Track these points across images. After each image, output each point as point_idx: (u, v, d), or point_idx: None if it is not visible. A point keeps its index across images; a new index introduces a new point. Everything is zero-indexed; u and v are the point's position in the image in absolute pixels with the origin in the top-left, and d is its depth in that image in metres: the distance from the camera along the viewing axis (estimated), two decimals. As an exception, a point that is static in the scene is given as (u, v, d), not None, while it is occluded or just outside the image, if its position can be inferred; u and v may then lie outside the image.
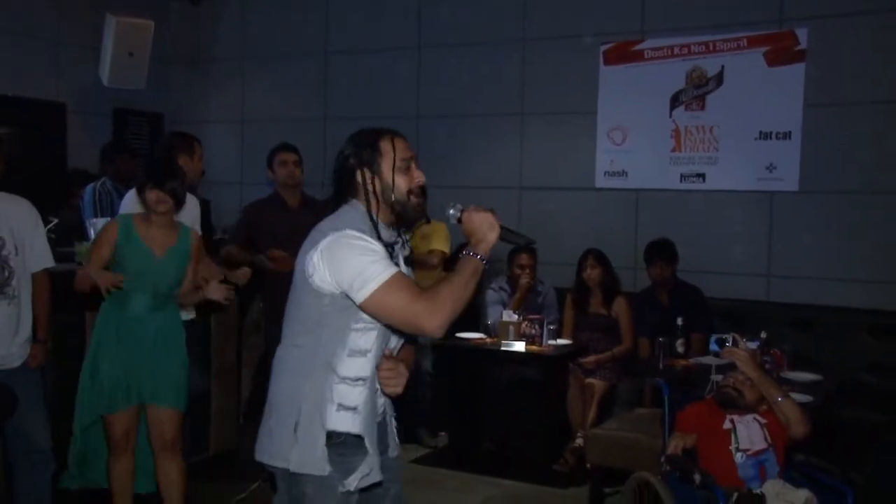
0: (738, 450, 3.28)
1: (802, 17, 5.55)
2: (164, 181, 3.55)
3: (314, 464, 2.22)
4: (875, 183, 5.39)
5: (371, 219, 2.28)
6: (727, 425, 3.36)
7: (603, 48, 6.12)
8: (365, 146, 2.30)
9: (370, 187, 2.28)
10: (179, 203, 3.64)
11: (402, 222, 2.36)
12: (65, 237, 4.82)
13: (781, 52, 5.59)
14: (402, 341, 2.41)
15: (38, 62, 6.86)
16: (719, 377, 3.61)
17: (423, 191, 2.36)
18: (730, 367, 3.56)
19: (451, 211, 2.30)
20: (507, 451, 5.10)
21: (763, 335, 4.48)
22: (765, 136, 5.67)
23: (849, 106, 5.45)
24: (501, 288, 5.68)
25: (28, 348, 3.61)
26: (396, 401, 2.44)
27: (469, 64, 6.64)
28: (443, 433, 5.69)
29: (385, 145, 2.29)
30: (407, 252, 2.40)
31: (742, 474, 3.25)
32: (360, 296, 2.17)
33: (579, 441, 5.03)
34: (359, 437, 2.24)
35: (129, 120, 7.56)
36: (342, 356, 2.24)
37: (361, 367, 2.25)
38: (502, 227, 2.26)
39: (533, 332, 5.14)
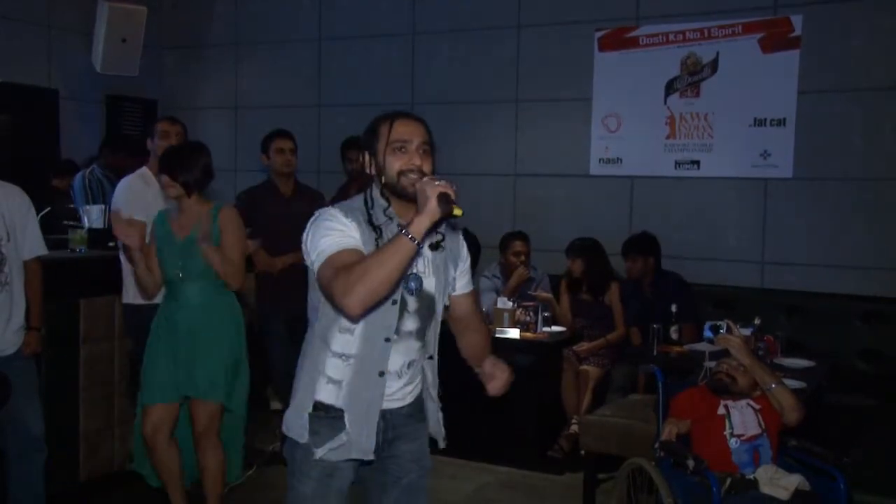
0: (732, 435, 3.30)
1: (797, 3, 5.53)
2: (175, 172, 3.65)
3: (297, 430, 2.35)
4: (869, 169, 5.39)
5: (365, 200, 2.32)
6: (721, 411, 3.38)
7: (598, 35, 6.10)
8: (368, 130, 2.35)
9: (368, 169, 2.34)
10: (189, 191, 3.68)
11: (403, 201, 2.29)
12: (58, 224, 4.80)
13: (776, 39, 5.58)
14: (418, 324, 2.36)
15: (30, 48, 6.81)
16: (713, 364, 3.62)
17: (422, 172, 2.29)
18: (723, 354, 3.56)
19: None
20: (501, 437, 5.11)
21: (757, 322, 4.50)
22: (759, 122, 5.66)
23: (843, 93, 5.44)
24: (494, 275, 5.67)
25: (22, 336, 3.60)
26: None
27: (463, 51, 6.62)
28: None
29: (382, 128, 2.30)
30: (438, 238, 2.32)
31: (736, 459, 3.26)
32: (314, 271, 2.24)
33: (574, 427, 5.05)
34: (341, 411, 2.30)
35: (123, 106, 7.51)
36: (335, 332, 2.31)
37: (347, 343, 2.30)
38: (443, 202, 2.03)
39: (527, 319, 5.15)
